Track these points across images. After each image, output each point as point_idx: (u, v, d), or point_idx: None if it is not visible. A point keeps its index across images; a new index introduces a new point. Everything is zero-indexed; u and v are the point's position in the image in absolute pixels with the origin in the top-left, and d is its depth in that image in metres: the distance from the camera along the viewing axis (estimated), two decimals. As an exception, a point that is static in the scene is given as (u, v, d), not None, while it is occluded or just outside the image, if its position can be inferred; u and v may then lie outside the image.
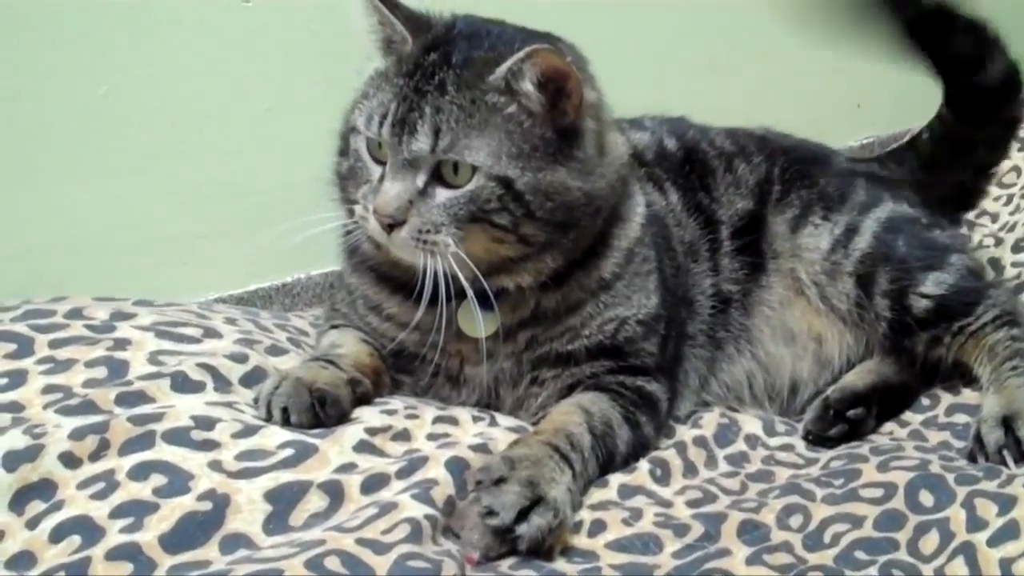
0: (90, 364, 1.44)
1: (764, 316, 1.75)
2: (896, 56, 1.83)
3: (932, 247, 1.75)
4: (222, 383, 1.45)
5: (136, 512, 1.20)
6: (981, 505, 1.31)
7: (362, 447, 1.36)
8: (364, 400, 1.47)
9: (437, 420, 1.46)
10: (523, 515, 1.23)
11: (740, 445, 1.59)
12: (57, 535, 1.17)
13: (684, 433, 1.59)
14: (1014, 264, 2.00)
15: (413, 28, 1.43)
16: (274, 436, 1.34)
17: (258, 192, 2.12)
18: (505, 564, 1.23)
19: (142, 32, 1.97)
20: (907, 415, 1.68)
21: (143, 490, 1.23)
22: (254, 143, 2.13)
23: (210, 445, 1.30)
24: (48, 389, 1.38)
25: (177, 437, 1.30)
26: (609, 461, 1.45)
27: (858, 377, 1.71)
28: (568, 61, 1.36)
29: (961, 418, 1.63)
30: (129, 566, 1.14)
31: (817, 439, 1.62)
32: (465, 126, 1.35)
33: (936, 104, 1.94)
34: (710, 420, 1.63)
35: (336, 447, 1.34)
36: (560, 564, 1.25)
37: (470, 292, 1.39)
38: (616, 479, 1.43)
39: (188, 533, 1.19)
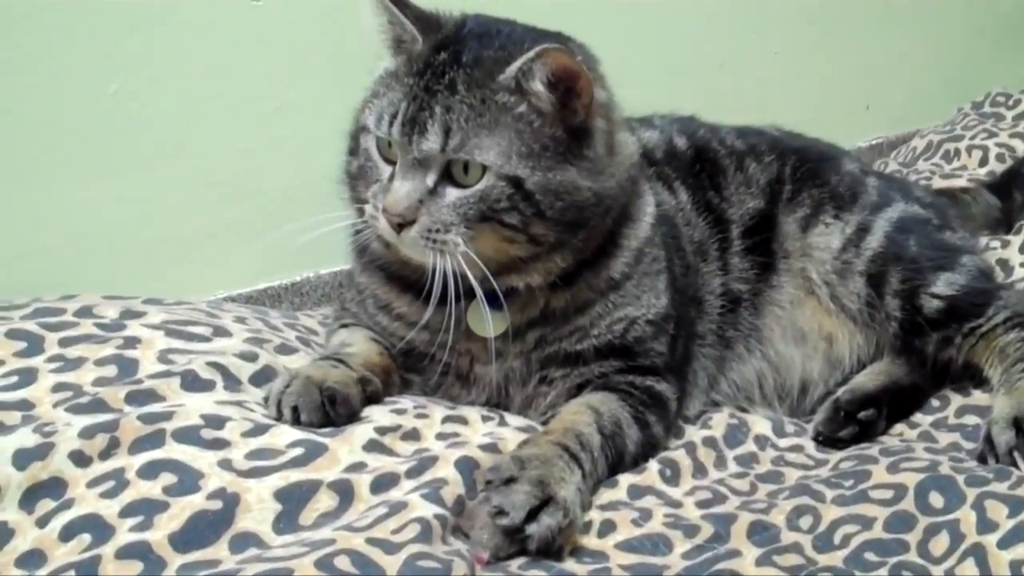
0: (100, 362, 1.45)
1: (774, 315, 1.75)
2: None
3: (943, 248, 1.75)
4: (232, 382, 1.45)
5: (146, 511, 1.20)
6: (991, 507, 1.30)
7: (372, 446, 1.36)
8: (374, 399, 1.48)
9: (447, 419, 1.46)
10: (533, 515, 1.23)
11: (750, 446, 1.59)
12: (67, 534, 1.17)
13: (694, 433, 1.59)
14: (1023, 265, 1.99)
15: (423, 27, 1.43)
16: (284, 435, 1.34)
17: (267, 191, 2.12)
18: (515, 564, 1.23)
19: (152, 31, 1.97)
20: (917, 416, 1.68)
21: (153, 489, 1.23)
22: (264, 142, 2.13)
23: (220, 444, 1.30)
24: (58, 387, 1.39)
25: (187, 436, 1.30)
26: (619, 461, 1.44)
27: (868, 378, 1.71)
28: (578, 60, 1.36)
29: (971, 419, 1.63)
30: (139, 565, 1.14)
31: (827, 440, 1.62)
32: (475, 125, 1.35)
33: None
34: (719, 420, 1.63)
35: (346, 446, 1.34)
36: (570, 564, 1.25)
37: (479, 291, 1.39)
38: (626, 479, 1.43)
39: (198, 532, 1.19)
